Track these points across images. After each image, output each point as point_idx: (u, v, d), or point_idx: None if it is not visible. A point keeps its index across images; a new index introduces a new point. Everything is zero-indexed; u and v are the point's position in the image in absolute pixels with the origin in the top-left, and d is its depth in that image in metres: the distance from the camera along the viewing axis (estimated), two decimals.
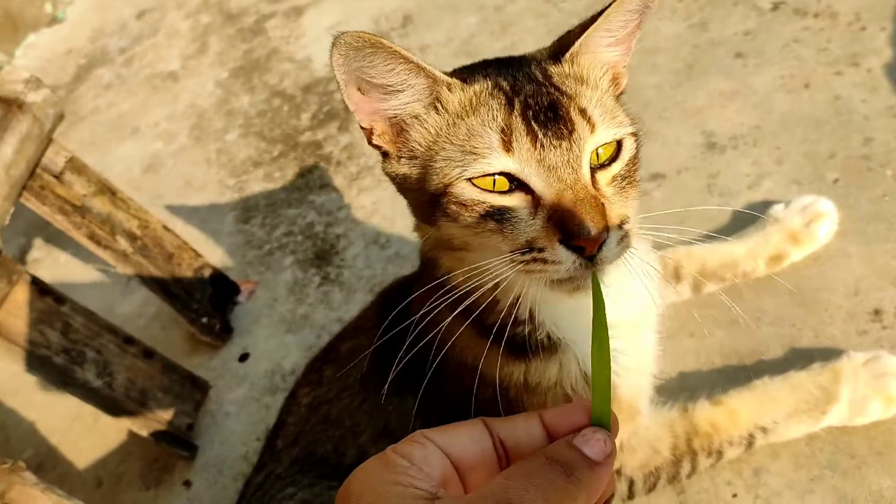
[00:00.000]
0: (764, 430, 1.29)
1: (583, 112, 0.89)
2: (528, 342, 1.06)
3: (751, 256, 1.51)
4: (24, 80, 1.56)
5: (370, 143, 1.00)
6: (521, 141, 0.87)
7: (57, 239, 2.45)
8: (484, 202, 0.89)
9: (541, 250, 0.86)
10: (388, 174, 1.02)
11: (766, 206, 1.62)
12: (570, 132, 0.87)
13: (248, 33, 3.07)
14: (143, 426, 1.65)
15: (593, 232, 0.82)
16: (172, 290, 1.83)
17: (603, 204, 0.86)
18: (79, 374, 1.54)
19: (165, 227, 1.88)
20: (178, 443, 1.69)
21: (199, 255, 1.95)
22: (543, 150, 0.86)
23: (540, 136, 0.86)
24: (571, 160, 0.86)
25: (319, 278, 2.01)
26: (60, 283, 2.29)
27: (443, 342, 0.99)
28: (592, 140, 0.89)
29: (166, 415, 1.68)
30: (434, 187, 0.93)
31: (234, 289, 2.02)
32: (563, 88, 0.92)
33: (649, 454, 1.27)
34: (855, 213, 1.57)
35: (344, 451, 1.27)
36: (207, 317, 1.90)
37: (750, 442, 1.29)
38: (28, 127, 1.52)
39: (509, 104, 0.90)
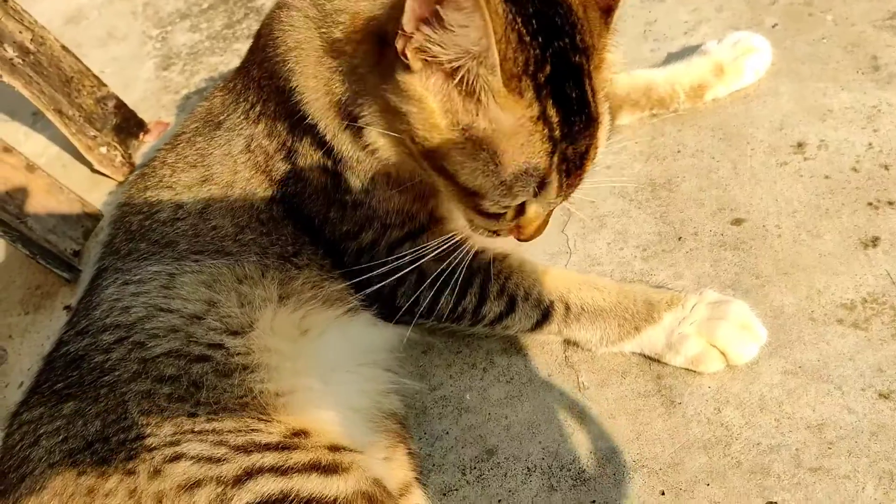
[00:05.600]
0: (567, 306, 1.14)
1: (595, 153, 0.95)
2: None
3: (668, 83, 1.42)
4: None
5: (399, 49, 0.87)
6: (549, 193, 0.94)
7: None
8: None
9: (497, 234, 1.06)
10: (395, 75, 0.92)
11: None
12: (580, 182, 0.97)
13: None
14: (18, 241, 1.53)
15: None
16: (66, 112, 1.70)
17: None
18: None
19: (65, 48, 1.74)
20: (60, 264, 1.57)
21: (103, 85, 1.81)
22: (556, 200, 0.97)
23: (564, 188, 0.95)
24: (564, 202, 1.00)
25: None
26: None
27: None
28: None
29: (48, 235, 1.57)
30: (459, 176, 0.95)
31: (140, 125, 1.89)
32: (598, 113, 0.92)
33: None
34: (790, 54, 1.48)
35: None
36: (107, 147, 1.77)
37: (546, 311, 1.15)
38: None
39: (552, 150, 0.90)
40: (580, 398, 1.15)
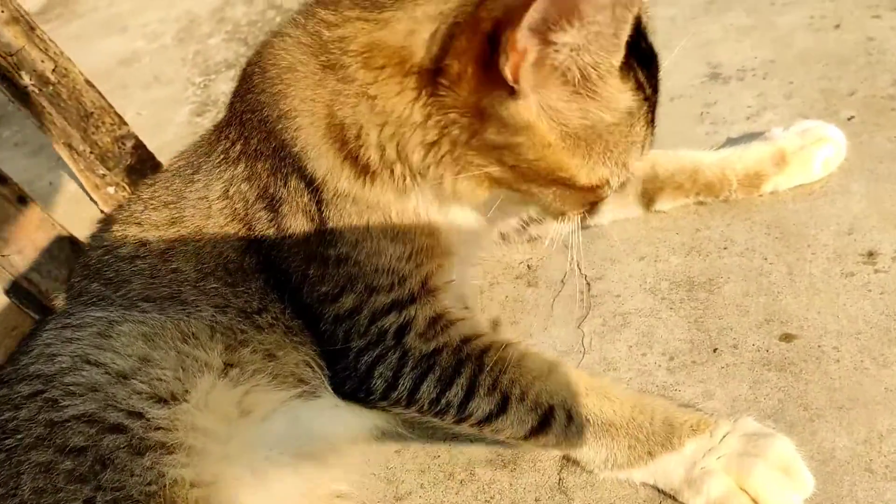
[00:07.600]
0: (569, 415, 0.94)
1: None
2: None
3: (719, 167, 1.23)
4: None
5: (510, 74, 0.78)
6: (645, 150, 0.93)
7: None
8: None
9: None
10: (492, 111, 0.82)
11: None
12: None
13: None
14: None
15: None
16: (76, 147, 1.62)
17: None
18: None
19: (89, 83, 1.68)
20: (32, 304, 1.46)
21: (123, 124, 1.74)
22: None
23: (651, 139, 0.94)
24: None
25: None
26: None
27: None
28: None
29: (30, 273, 1.46)
30: (578, 180, 0.90)
31: (156, 169, 1.79)
32: (656, 50, 0.92)
33: (448, 331, 1.02)
34: (867, 151, 1.28)
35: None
36: (115, 187, 1.68)
37: (543, 418, 0.95)
38: None
39: (648, 111, 0.90)
40: None
